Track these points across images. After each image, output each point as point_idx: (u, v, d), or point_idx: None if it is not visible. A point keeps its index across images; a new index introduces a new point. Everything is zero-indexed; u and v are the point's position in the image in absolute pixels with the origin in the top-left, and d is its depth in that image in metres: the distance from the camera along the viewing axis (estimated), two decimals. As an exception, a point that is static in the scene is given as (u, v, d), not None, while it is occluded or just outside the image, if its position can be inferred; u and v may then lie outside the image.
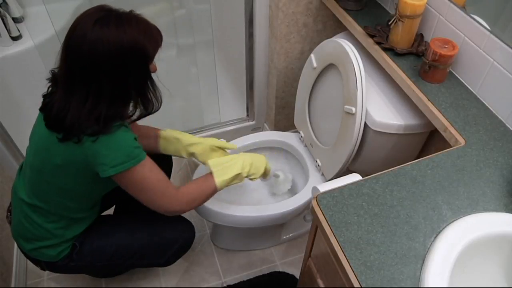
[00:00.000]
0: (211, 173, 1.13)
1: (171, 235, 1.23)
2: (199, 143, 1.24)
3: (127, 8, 0.96)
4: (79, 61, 0.89)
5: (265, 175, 1.24)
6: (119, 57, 0.89)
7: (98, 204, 1.19)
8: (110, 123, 0.93)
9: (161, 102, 1.06)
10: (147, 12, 1.01)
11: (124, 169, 0.96)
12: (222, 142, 1.27)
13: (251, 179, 1.21)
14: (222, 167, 1.13)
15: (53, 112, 0.93)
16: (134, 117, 1.08)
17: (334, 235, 0.77)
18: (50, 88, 1.00)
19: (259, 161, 1.20)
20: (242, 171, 1.14)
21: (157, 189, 1.02)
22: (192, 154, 1.25)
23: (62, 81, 0.93)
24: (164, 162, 1.40)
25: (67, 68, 0.91)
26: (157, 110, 1.08)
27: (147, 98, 1.02)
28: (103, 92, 0.91)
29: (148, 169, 1.01)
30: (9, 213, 1.19)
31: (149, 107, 1.04)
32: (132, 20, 0.91)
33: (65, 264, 1.15)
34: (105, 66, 0.89)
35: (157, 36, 0.97)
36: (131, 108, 1.01)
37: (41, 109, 1.00)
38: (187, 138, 1.24)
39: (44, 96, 1.01)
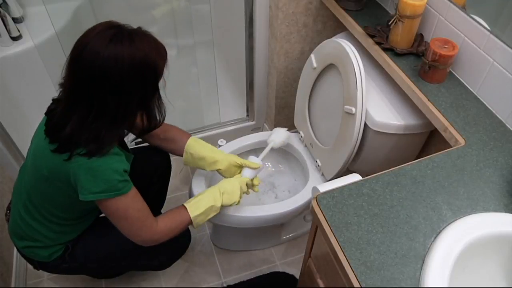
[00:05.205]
0: (184, 206, 1.13)
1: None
2: (222, 160, 1.25)
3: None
4: (89, 77, 0.87)
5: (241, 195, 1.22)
6: (131, 73, 0.89)
7: (91, 214, 1.17)
8: (107, 144, 0.93)
9: (164, 117, 1.08)
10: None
11: (102, 198, 0.95)
12: (243, 161, 1.27)
13: (230, 205, 1.20)
14: (194, 202, 1.13)
15: (54, 119, 0.95)
16: (136, 132, 1.09)
17: (334, 235, 0.77)
18: (60, 93, 0.98)
19: (229, 186, 1.19)
20: (214, 202, 1.14)
21: (136, 220, 1.02)
22: (217, 170, 1.27)
23: (66, 94, 0.93)
24: (163, 163, 1.40)
25: (74, 83, 0.90)
26: (160, 125, 1.10)
27: (152, 114, 1.02)
28: (107, 108, 0.90)
29: (131, 200, 1.00)
30: (8, 211, 1.19)
31: (152, 122, 1.05)
32: (143, 37, 0.92)
33: (57, 265, 1.15)
34: (116, 82, 0.88)
35: (164, 53, 0.97)
36: (136, 121, 1.02)
37: (46, 114, 1.00)
38: (210, 155, 1.25)
39: (54, 100, 1.01)
